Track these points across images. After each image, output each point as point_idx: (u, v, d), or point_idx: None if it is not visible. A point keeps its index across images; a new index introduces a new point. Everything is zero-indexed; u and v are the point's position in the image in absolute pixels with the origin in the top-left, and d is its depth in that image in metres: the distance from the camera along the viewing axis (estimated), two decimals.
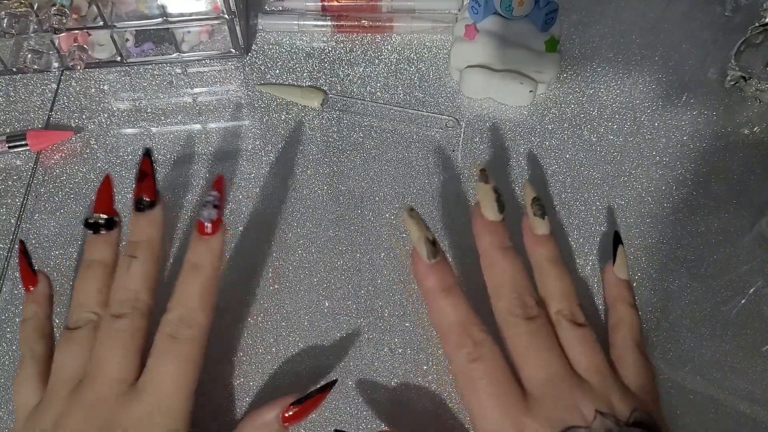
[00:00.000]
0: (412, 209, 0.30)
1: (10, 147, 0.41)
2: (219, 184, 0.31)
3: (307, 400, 0.29)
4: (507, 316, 0.30)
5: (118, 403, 0.28)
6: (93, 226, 0.32)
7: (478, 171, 0.32)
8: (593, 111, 0.44)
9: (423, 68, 0.46)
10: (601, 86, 0.45)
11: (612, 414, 0.27)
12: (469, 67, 0.44)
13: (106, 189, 0.33)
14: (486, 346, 0.29)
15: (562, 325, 0.30)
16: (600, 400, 0.28)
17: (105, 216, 0.32)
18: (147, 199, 0.32)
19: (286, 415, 0.29)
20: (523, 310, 0.30)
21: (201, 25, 0.46)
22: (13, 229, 0.39)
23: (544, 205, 0.33)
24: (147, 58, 0.46)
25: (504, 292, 0.31)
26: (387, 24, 0.48)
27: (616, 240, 0.35)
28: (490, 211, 0.32)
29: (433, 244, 0.30)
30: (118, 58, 0.45)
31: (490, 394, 0.28)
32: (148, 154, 0.32)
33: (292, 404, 0.29)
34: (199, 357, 0.29)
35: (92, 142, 0.43)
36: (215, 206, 0.31)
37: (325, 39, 0.48)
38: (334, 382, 0.30)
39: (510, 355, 0.30)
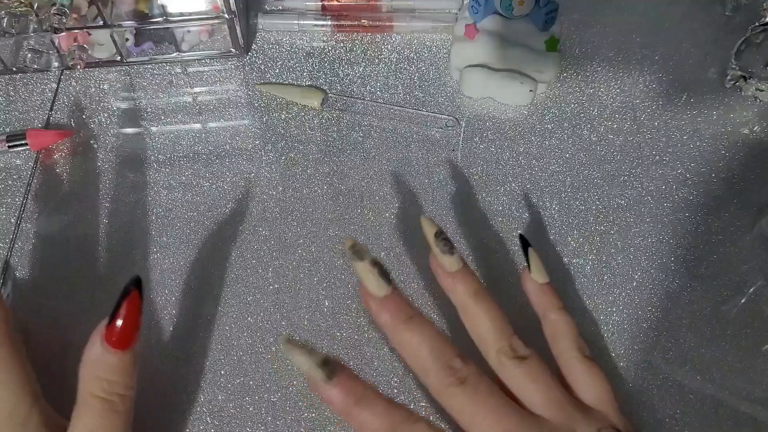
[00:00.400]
0: (289, 339, 0.26)
1: (10, 146, 0.41)
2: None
3: (120, 311, 0.27)
4: (440, 389, 0.28)
5: None
6: None
7: (348, 248, 0.28)
8: (593, 111, 0.44)
9: (423, 68, 0.46)
10: (601, 86, 0.45)
11: None
12: (469, 66, 0.44)
13: None
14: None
15: (506, 365, 0.29)
16: None
17: None
18: None
19: (112, 339, 0.27)
20: (454, 377, 0.28)
21: (201, 25, 0.46)
22: (13, 229, 0.39)
23: (448, 238, 0.30)
24: (147, 58, 0.46)
25: (427, 365, 0.28)
26: (387, 23, 0.48)
27: (524, 243, 0.33)
28: (378, 288, 0.28)
29: (326, 364, 0.26)
30: (118, 58, 0.45)
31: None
32: None
33: (109, 326, 0.27)
34: (4, 338, 0.28)
35: (92, 142, 0.43)
36: None
37: (325, 38, 0.48)
38: (135, 279, 0.28)
39: (459, 424, 0.28)
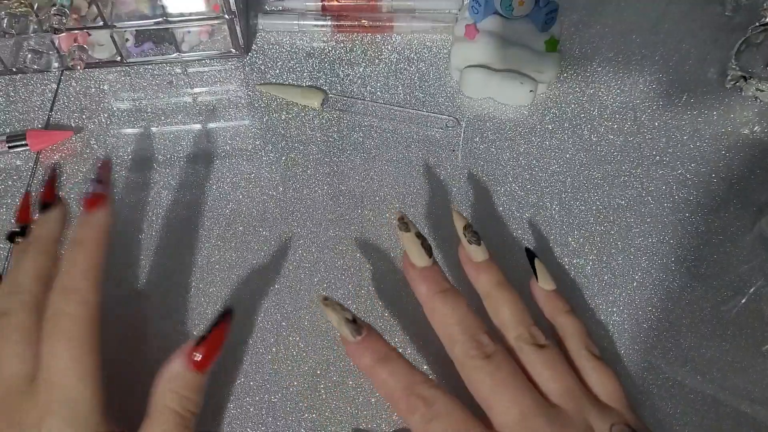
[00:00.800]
0: (326, 298, 0.29)
1: (10, 147, 0.41)
2: (104, 167, 0.33)
3: (208, 336, 0.29)
4: (464, 360, 0.29)
5: (17, 400, 0.27)
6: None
7: (397, 220, 0.31)
8: (593, 111, 0.44)
9: (423, 68, 0.46)
10: (601, 86, 0.45)
11: None
12: (469, 66, 0.44)
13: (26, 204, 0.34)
14: (439, 402, 0.28)
15: (524, 350, 0.30)
16: (578, 427, 0.28)
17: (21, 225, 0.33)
18: (44, 202, 0.33)
19: (195, 360, 0.29)
20: (480, 350, 0.29)
21: (201, 25, 0.46)
22: None
23: (476, 231, 0.32)
24: (147, 58, 0.46)
25: (455, 336, 0.29)
26: (387, 24, 0.48)
27: (530, 255, 0.34)
28: (419, 259, 0.31)
29: (354, 322, 0.29)
30: (118, 58, 0.45)
31: None
32: (53, 172, 0.35)
33: (194, 347, 0.29)
34: (89, 336, 0.28)
35: (92, 142, 0.43)
36: (98, 181, 0.32)
37: (325, 39, 0.48)
38: (230, 310, 0.30)
39: (476, 398, 0.29)
